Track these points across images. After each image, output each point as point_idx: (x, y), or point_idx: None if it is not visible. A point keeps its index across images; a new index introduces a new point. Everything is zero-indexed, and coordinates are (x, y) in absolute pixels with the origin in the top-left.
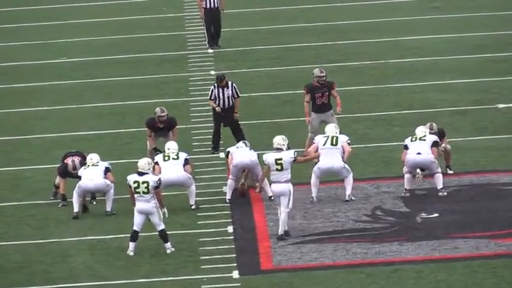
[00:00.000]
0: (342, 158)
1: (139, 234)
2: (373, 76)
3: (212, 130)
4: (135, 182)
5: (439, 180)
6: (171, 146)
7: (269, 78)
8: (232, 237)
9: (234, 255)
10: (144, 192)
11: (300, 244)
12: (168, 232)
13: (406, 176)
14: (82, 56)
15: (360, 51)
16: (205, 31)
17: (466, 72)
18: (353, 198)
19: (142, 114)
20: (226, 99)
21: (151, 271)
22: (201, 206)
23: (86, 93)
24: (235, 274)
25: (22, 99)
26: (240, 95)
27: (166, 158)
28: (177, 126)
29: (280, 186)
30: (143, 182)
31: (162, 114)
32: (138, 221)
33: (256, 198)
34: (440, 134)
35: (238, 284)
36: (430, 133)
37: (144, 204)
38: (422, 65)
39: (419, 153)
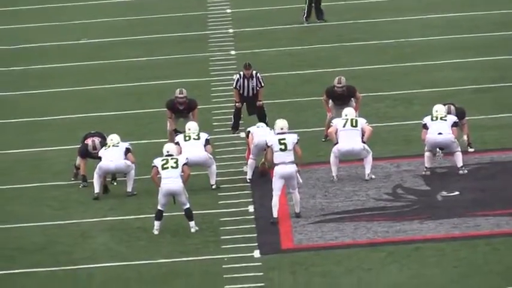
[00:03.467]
0: (362, 139)
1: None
2: (394, 55)
3: (233, 110)
4: (163, 159)
5: (458, 158)
6: (191, 126)
7: (290, 57)
8: (253, 216)
9: (255, 234)
10: (173, 167)
11: (321, 223)
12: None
13: (427, 154)
14: (102, 37)
15: (381, 29)
16: (305, 5)
17: (487, 50)
18: (373, 176)
19: (163, 95)
20: (250, 89)
21: (172, 251)
22: (221, 186)
23: (107, 74)
24: (256, 253)
25: (43, 80)
26: (263, 85)
27: (187, 138)
28: (197, 108)
29: (286, 168)
30: (172, 158)
31: (181, 96)
32: (163, 201)
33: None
34: (460, 114)
35: (259, 264)
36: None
37: (171, 183)
38: (443, 43)
39: (440, 133)
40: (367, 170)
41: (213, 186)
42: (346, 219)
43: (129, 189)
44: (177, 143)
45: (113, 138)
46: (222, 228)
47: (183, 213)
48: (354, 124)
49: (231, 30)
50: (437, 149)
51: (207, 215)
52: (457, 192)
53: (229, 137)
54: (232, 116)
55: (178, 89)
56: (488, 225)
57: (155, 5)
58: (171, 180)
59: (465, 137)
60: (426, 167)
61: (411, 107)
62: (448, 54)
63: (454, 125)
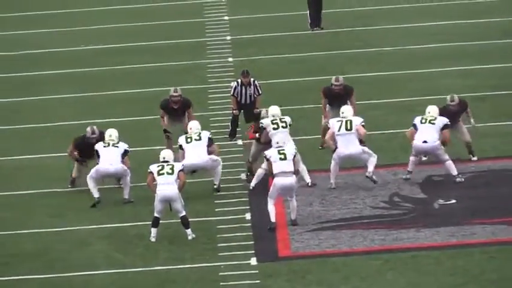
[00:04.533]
0: (361, 141)
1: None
2: (393, 62)
3: (230, 117)
4: (159, 165)
5: (451, 167)
6: (193, 126)
7: (288, 64)
8: (250, 224)
9: (252, 242)
10: (168, 173)
11: (318, 231)
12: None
13: (411, 158)
14: (101, 44)
15: (379, 37)
16: (308, 13)
17: (486, 58)
18: (374, 177)
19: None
20: (248, 97)
21: (169, 259)
22: (219, 193)
23: (106, 81)
24: (253, 261)
25: (44, 86)
26: (261, 92)
27: (188, 140)
28: (192, 107)
29: (287, 179)
30: (168, 165)
31: (175, 94)
32: (159, 207)
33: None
34: (463, 106)
35: (256, 271)
36: (450, 105)
37: (167, 188)
38: (443, 51)
39: (425, 141)
40: (370, 168)
41: (215, 186)
42: (343, 227)
43: (126, 196)
44: (180, 146)
45: (111, 134)
46: (219, 235)
47: (179, 221)
48: (349, 127)
49: (228, 38)
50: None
51: (203, 223)
52: (453, 201)
53: (226, 145)
54: (229, 124)
55: (172, 88)
56: (485, 234)
57: (153, 12)
58: (166, 187)
59: (472, 121)
60: (408, 171)
61: (409, 114)
62: (447, 62)
63: (444, 127)
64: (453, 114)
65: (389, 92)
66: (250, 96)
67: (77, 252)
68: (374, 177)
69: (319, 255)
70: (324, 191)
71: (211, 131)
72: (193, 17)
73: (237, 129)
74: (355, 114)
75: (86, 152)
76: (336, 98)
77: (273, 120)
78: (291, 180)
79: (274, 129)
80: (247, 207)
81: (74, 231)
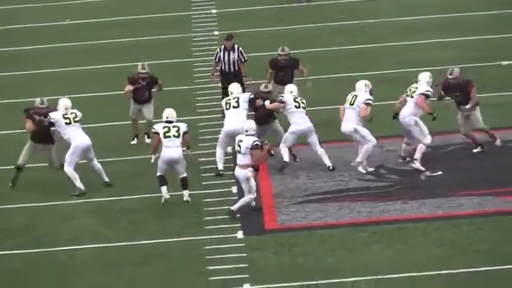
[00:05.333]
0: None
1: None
2: (376, 35)
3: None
4: (165, 127)
5: (418, 150)
6: (169, 114)
7: (273, 37)
8: (236, 197)
9: (238, 215)
10: (174, 136)
11: (304, 203)
12: (171, 193)
13: (402, 145)
14: (84, 18)
15: (362, 9)
16: None
17: (470, 30)
18: (360, 168)
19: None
20: (231, 63)
21: (154, 233)
22: (206, 167)
23: (88, 55)
24: (240, 234)
25: (24, 62)
26: (246, 59)
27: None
28: (160, 83)
29: (237, 170)
30: (174, 126)
31: (143, 71)
32: (164, 167)
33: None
34: (464, 82)
35: (243, 245)
36: (450, 79)
37: (172, 151)
38: (427, 23)
39: (401, 115)
40: (359, 158)
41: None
42: (330, 200)
43: (106, 179)
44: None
45: (66, 104)
46: (205, 209)
47: (180, 182)
48: (351, 102)
49: (214, 11)
50: (405, 140)
51: (190, 196)
52: (440, 172)
53: (211, 118)
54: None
55: (140, 64)
56: (472, 205)
57: None
58: (172, 149)
59: (468, 106)
60: (400, 155)
61: (395, 87)
62: (430, 34)
63: (424, 95)
64: (453, 88)
65: (373, 65)
66: (234, 62)
67: (62, 227)
68: (360, 168)
69: (305, 227)
70: (310, 164)
71: (197, 104)
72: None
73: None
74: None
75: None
76: (282, 68)
77: (295, 98)
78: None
79: (296, 107)
80: (233, 180)
81: (60, 206)
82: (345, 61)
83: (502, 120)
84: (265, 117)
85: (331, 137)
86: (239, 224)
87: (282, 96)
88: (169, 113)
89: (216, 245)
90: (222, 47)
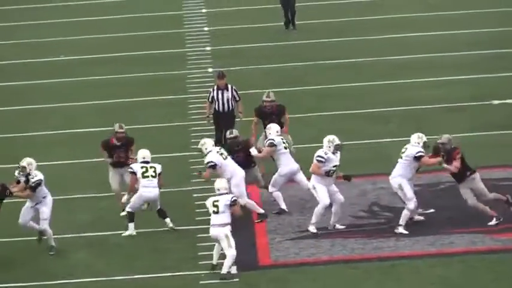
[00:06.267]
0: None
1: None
2: (369, 73)
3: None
4: (142, 167)
5: (402, 216)
6: (146, 155)
7: (266, 75)
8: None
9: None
10: (152, 176)
11: (298, 239)
12: (166, 228)
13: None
14: (79, 54)
15: (355, 48)
16: (283, 14)
17: (462, 69)
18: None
19: (139, 111)
20: (225, 102)
21: (150, 267)
22: (199, 203)
23: (84, 91)
24: (234, 270)
25: (12, 97)
26: (240, 98)
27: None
28: (134, 144)
29: (215, 230)
30: (151, 167)
31: (120, 130)
32: (137, 205)
33: (255, 196)
34: (449, 149)
35: (237, 280)
36: (439, 143)
37: (152, 190)
38: (417, 62)
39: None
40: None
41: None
42: (323, 236)
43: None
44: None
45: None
46: (199, 244)
47: (157, 214)
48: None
49: (208, 48)
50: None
51: (184, 231)
52: (432, 210)
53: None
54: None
55: (117, 124)
56: (464, 243)
57: (134, 23)
58: (150, 189)
59: (445, 165)
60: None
61: (386, 125)
62: (422, 72)
63: (416, 159)
64: (268, 113)
65: (365, 103)
66: (228, 100)
67: (58, 261)
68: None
69: (299, 264)
70: (303, 200)
71: (192, 140)
72: (174, 28)
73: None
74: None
75: None
76: (268, 116)
77: (282, 139)
78: (220, 231)
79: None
80: None
81: (55, 240)
82: (337, 99)
83: (493, 159)
84: (245, 162)
85: None
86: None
87: (273, 140)
88: (145, 154)
89: (210, 279)
90: (215, 87)
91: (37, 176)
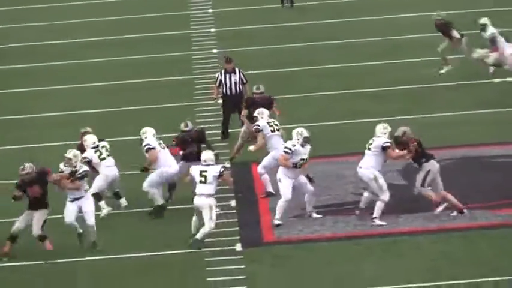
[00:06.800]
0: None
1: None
2: (366, 53)
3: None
4: (96, 151)
5: (376, 208)
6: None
7: (269, 56)
8: (235, 211)
9: (237, 228)
10: (108, 155)
11: (301, 217)
12: (171, 207)
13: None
14: (85, 37)
15: (356, 28)
16: None
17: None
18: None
19: (146, 92)
20: (233, 85)
21: (154, 244)
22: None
23: (91, 72)
24: (238, 247)
25: (24, 79)
26: (247, 80)
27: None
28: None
29: (200, 199)
30: (102, 147)
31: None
32: (105, 186)
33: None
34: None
35: (241, 257)
36: (396, 135)
37: (114, 170)
38: (416, 42)
39: (360, 167)
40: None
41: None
42: (326, 213)
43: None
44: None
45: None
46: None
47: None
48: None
49: (212, 30)
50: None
51: (189, 209)
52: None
53: (211, 134)
54: (221, 124)
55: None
56: (464, 219)
57: (138, 5)
58: (112, 169)
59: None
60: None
61: (386, 103)
62: (422, 52)
63: (383, 149)
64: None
65: (364, 83)
66: (236, 83)
67: (63, 240)
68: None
69: (302, 240)
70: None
71: (198, 120)
72: (179, 10)
73: (229, 130)
74: (337, 102)
75: None
76: (257, 106)
77: (269, 122)
78: (205, 201)
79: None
80: (232, 194)
81: (60, 219)
82: (339, 78)
83: (491, 136)
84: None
85: (325, 153)
86: (238, 237)
87: (258, 125)
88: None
89: (215, 257)
90: (223, 70)
91: (82, 167)
